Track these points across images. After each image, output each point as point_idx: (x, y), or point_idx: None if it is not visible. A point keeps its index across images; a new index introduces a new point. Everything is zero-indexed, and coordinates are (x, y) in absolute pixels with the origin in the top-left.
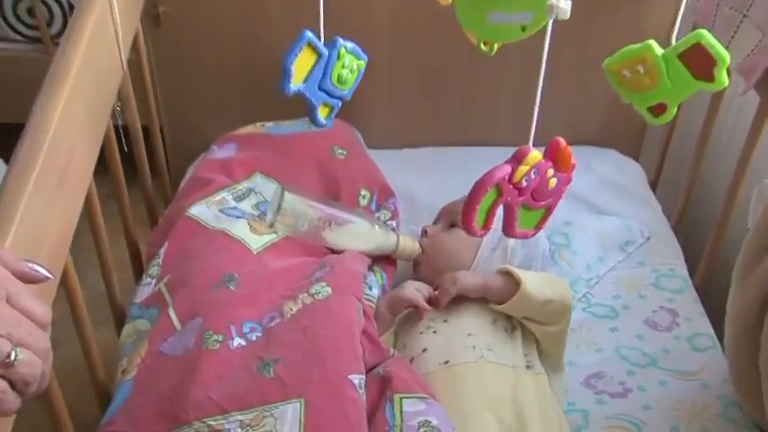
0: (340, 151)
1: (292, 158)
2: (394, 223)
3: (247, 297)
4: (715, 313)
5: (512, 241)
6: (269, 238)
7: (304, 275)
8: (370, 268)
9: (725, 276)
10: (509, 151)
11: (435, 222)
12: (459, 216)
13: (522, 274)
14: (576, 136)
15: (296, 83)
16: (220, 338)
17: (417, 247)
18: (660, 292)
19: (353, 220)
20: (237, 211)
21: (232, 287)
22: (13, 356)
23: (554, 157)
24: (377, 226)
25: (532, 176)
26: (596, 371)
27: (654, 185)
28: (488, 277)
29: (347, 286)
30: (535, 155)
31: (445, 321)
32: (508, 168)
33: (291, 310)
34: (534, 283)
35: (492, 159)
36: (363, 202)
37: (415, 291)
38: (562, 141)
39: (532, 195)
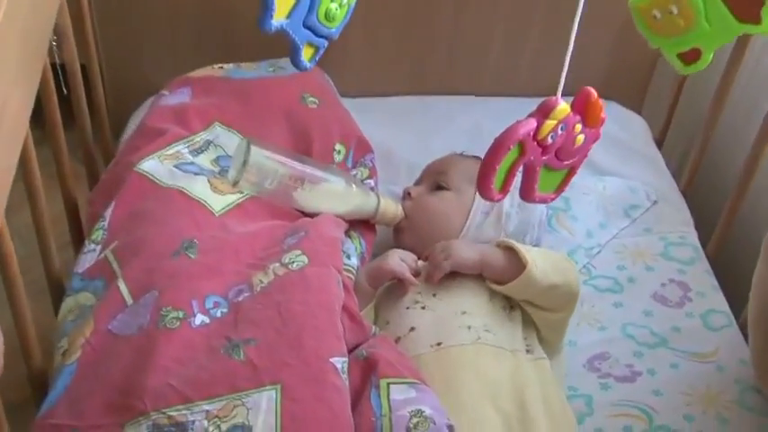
0: (311, 99)
1: (256, 107)
2: (372, 182)
3: (210, 267)
4: (730, 287)
5: (506, 204)
6: (233, 198)
7: (275, 241)
8: (346, 234)
9: (742, 246)
10: (499, 102)
11: (418, 183)
12: (447, 176)
13: (527, 253)
14: (572, 86)
15: (278, 18)
16: (180, 315)
17: (400, 211)
18: (669, 263)
19: (328, 179)
20: (195, 167)
21: (192, 255)
22: None
23: (583, 110)
24: (354, 185)
25: (559, 132)
26: (600, 351)
27: (660, 143)
28: (487, 252)
29: (325, 255)
30: (563, 108)
31: (434, 296)
32: (533, 123)
33: (262, 282)
34: (541, 265)
35: (479, 110)
36: (338, 158)
37: (400, 261)
38: (593, 92)
39: (556, 154)
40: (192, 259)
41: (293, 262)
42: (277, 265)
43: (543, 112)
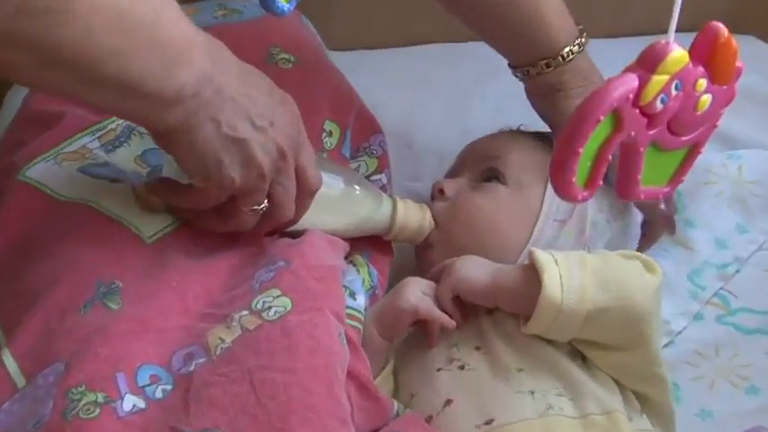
0: (284, 56)
1: None
2: (383, 179)
3: (142, 322)
4: None
5: (592, 208)
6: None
7: (240, 278)
8: (348, 259)
9: None
10: None
11: (454, 174)
12: (501, 164)
13: (546, 260)
14: (692, 19)
15: None
16: (100, 398)
17: (428, 220)
18: None
19: (327, 177)
20: (111, 169)
21: (113, 305)
22: (262, 206)
23: (708, 57)
24: (357, 186)
25: (672, 93)
26: (753, 425)
27: None
28: (501, 271)
29: (317, 294)
30: (679, 56)
31: (478, 349)
32: (633, 81)
33: (223, 341)
34: (576, 279)
35: None
36: (329, 144)
37: (422, 295)
38: (723, 29)
39: (669, 126)
40: (114, 312)
41: (269, 308)
42: (245, 313)
43: (648, 64)
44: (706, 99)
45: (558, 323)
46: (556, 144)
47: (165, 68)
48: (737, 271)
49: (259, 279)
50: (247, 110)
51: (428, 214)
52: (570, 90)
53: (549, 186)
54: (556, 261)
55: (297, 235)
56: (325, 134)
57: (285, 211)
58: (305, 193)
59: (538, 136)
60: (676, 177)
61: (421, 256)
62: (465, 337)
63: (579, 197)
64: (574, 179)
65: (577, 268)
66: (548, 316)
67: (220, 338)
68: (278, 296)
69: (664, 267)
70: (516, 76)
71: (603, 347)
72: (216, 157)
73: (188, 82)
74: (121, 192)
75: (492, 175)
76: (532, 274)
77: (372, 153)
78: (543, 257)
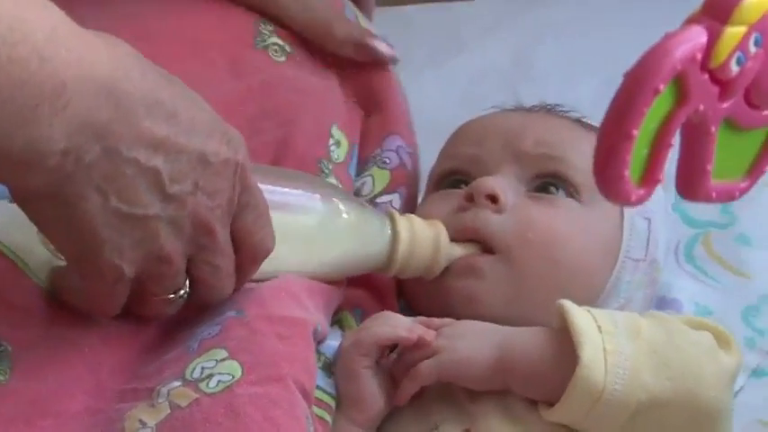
0: (275, 43)
1: (165, 50)
2: (395, 200)
3: (35, 403)
4: None
5: (663, 238)
6: None
7: (175, 337)
8: (334, 318)
9: None
10: None
11: (488, 170)
12: (567, 167)
13: (585, 323)
14: None
15: None
16: None
17: (443, 243)
18: None
19: (286, 200)
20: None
21: None
22: (181, 293)
23: None
24: (342, 206)
25: (751, 50)
26: None
27: None
28: (512, 341)
29: (278, 358)
30: (759, 2)
31: None
32: (701, 36)
33: (144, 425)
34: (618, 354)
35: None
36: (337, 156)
37: (396, 325)
38: None
39: (747, 96)
40: (2, 385)
41: (209, 376)
42: (176, 385)
43: (718, 12)
44: None
45: (595, 414)
46: (600, 128)
47: (14, 117)
48: None
49: (200, 336)
50: (157, 173)
51: (443, 234)
52: None
53: (628, 209)
54: (599, 327)
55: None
56: (332, 141)
57: (217, 292)
58: (248, 261)
59: (593, 128)
60: (757, 167)
61: (452, 288)
62: (450, 415)
63: (633, 197)
64: (627, 173)
65: (627, 340)
66: (582, 403)
67: (140, 421)
68: (223, 359)
69: (708, 302)
70: None
71: None
72: (95, 237)
73: (51, 137)
74: (15, 216)
75: (554, 184)
76: (562, 343)
77: (384, 164)
78: (581, 319)
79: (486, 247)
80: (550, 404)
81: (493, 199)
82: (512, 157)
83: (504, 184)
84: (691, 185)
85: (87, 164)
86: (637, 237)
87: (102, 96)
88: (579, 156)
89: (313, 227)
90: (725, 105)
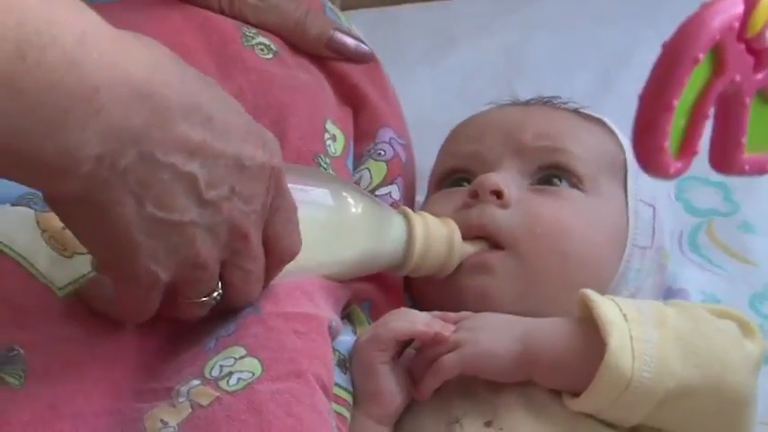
0: (261, 42)
1: None
2: (394, 191)
3: (53, 406)
4: None
5: (667, 225)
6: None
7: (190, 337)
8: (344, 313)
9: None
10: None
11: (488, 166)
12: (570, 158)
13: (611, 312)
14: None
15: None
16: None
17: (457, 241)
18: None
19: (309, 196)
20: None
21: (13, 380)
22: (214, 295)
23: None
24: (352, 202)
25: None
26: None
27: None
28: (536, 332)
29: (297, 354)
30: None
31: (488, 425)
32: (737, 3)
33: (166, 425)
34: (645, 342)
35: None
36: (335, 150)
37: (413, 324)
38: None
39: None
40: (15, 390)
41: (229, 374)
42: (195, 384)
43: None
44: None
45: (622, 402)
46: (640, 100)
47: (44, 123)
48: None
49: (216, 334)
50: (193, 178)
51: (456, 232)
52: None
53: (631, 195)
54: (624, 315)
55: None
56: (327, 136)
57: (246, 296)
58: (276, 265)
59: (591, 118)
60: None
61: (464, 285)
62: (471, 408)
63: (672, 169)
64: (666, 144)
65: (653, 327)
66: (610, 392)
67: (162, 421)
68: (242, 357)
69: (715, 290)
70: None
71: None
72: (131, 243)
73: (85, 142)
74: (20, 224)
75: (557, 175)
76: (588, 332)
77: (379, 155)
78: (607, 308)
79: (495, 243)
80: (576, 394)
81: (498, 194)
82: (512, 151)
83: (507, 178)
84: (725, 158)
85: (122, 169)
86: (642, 224)
87: (137, 100)
88: (580, 146)
89: (330, 226)
90: (759, 76)
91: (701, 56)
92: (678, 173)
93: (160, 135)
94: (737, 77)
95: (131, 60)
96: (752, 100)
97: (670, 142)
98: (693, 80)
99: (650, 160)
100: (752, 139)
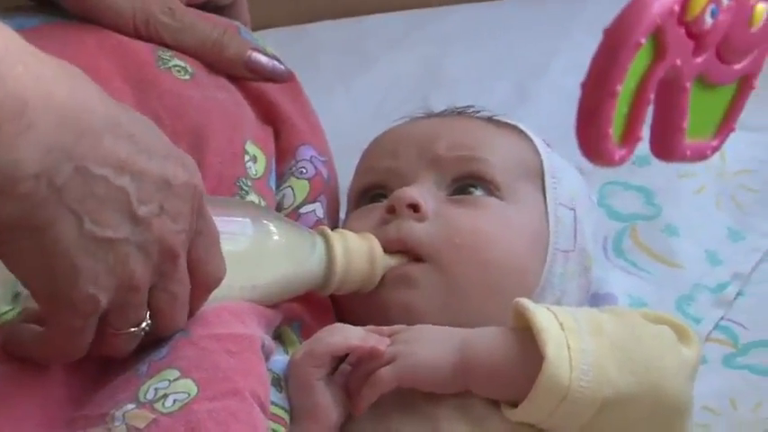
0: (178, 64)
1: None
2: (318, 209)
3: None
4: None
5: (589, 227)
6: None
7: (122, 362)
8: (274, 333)
9: None
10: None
11: (403, 180)
12: (486, 166)
13: (546, 320)
14: None
15: None
16: None
17: (378, 255)
18: None
19: (223, 225)
20: None
21: None
22: (143, 326)
23: None
24: (273, 228)
25: (723, 3)
26: None
27: None
28: (471, 342)
29: (231, 372)
30: None
31: None
32: None
33: None
34: (582, 351)
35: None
36: (255, 172)
37: (347, 339)
38: None
39: (719, 51)
40: None
41: (164, 396)
42: (131, 407)
43: None
44: (762, 9)
45: (561, 411)
46: (582, 88)
47: None
48: (739, 293)
49: (149, 359)
50: (125, 193)
51: (377, 246)
52: None
53: (550, 199)
54: (561, 324)
55: None
56: (248, 158)
57: (173, 323)
58: (201, 290)
59: (506, 125)
60: (725, 125)
61: (388, 299)
62: (410, 422)
63: (617, 157)
64: (610, 130)
65: (590, 336)
66: (548, 402)
67: None
68: (176, 379)
69: (641, 293)
70: None
71: None
72: (71, 264)
73: (22, 160)
74: None
75: (473, 184)
76: (525, 342)
77: (301, 173)
78: (543, 317)
79: (415, 257)
80: (514, 404)
81: (414, 208)
82: (428, 163)
83: (423, 191)
84: (666, 145)
85: (59, 186)
86: (563, 228)
87: (65, 116)
88: (495, 153)
89: (248, 252)
90: (699, 60)
91: (643, 40)
92: (623, 160)
93: (90, 148)
94: (678, 62)
95: (53, 76)
96: (692, 83)
97: (613, 129)
98: (635, 66)
99: (595, 148)
100: (692, 124)
